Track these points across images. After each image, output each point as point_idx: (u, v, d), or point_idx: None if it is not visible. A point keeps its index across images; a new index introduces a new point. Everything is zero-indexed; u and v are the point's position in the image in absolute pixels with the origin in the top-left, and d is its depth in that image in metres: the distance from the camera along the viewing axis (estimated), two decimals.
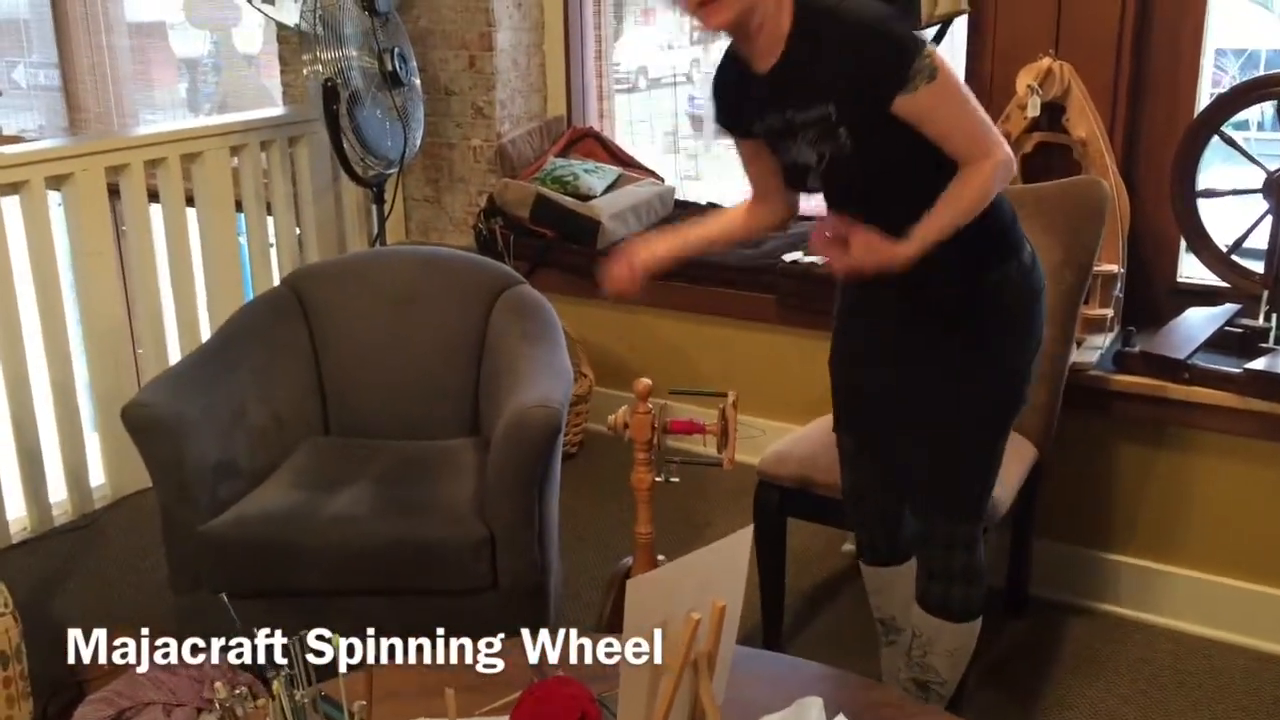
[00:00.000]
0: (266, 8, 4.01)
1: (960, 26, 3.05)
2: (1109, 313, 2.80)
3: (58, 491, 3.33)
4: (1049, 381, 2.60)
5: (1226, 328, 2.67)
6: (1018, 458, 2.51)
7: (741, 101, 1.97)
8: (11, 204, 3.05)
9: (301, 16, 3.62)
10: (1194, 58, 2.84)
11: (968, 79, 3.07)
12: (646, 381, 2.37)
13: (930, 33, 3.01)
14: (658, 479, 2.40)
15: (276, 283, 3.67)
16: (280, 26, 4.03)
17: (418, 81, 3.61)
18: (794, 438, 2.69)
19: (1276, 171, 2.58)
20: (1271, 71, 2.83)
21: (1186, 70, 2.84)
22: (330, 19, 3.45)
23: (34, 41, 6.84)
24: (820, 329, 3.22)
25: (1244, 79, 2.81)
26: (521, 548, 2.42)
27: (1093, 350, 2.76)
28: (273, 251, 3.81)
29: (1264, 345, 2.62)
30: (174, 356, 3.49)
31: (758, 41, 1.85)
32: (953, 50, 3.09)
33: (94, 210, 3.22)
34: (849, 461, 2.25)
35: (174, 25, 6.40)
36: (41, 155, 3.09)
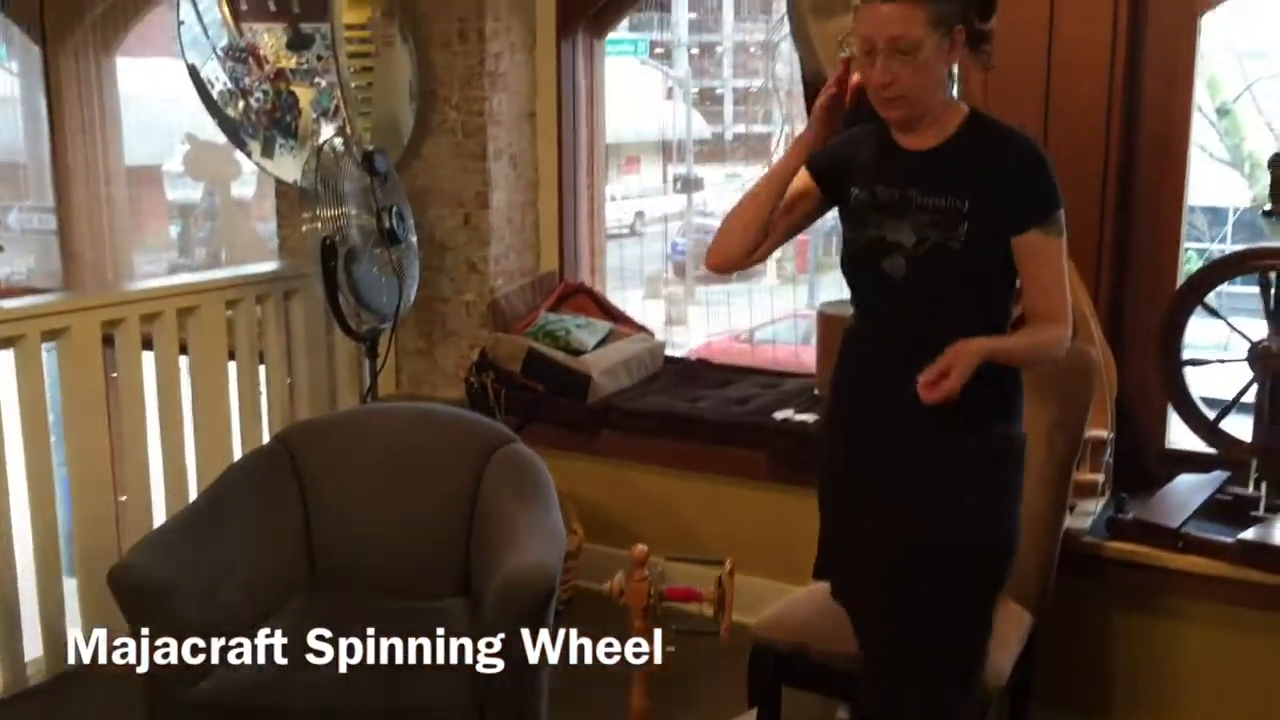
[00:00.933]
0: (267, 163, 4.10)
1: None
2: (1100, 478, 2.82)
3: (33, 649, 3.24)
4: (1043, 546, 2.59)
5: (1217, 495, 2.69)
6: (1014, 625, 2.50)
7: (859, 161, 2.09)
8: (5, 356, 3.05)
9: (302, 174, 3.71)
10: (1174, 220, 2.92)
11: None
12: (643, 548, 2.36)
13: None
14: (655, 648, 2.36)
15: (266, 434, 3.68)
16: (279, 182, 4.11)
17: (414, 238, 3.67)
18: (791, 601, 2.66)
19: (1260, 342, 2.64)
20: (1256, 245, 2.92)
21: (1167, 232, 2.92)
22: (330, 177, 3.52)
23: (30, 185, 6.94)
24: (811, 487, 3.24)
25: (1230, 250, 2.89)
26: (515, 713, 2.37)
27: (1085, 516, 2.77)
28: (263, 401, 3.81)
29: (1255, 514, 2.63)
30: (158, 506, 3.45)
31: (917, 129, 2.02)
32: None
33: (87, 362, 3.22)
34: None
35: (171, 172, 6.51)
36: (39, 311, 3.11)
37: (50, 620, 3.25)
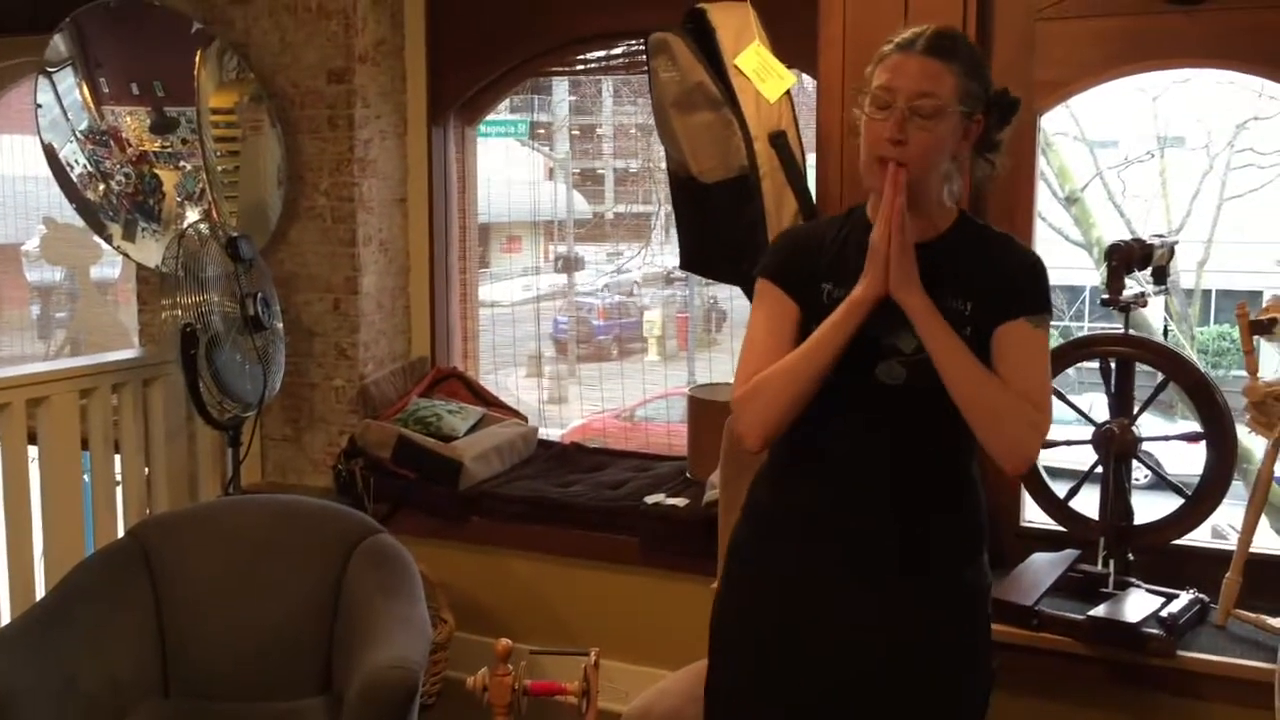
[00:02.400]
0: (128, 247, 4.01)
1: None
2: None
3: None
4: None
5: (1069, 572, 2.78)
6: None
7: (831, 253, 1.94)
8: None
9: (164, 260, 3.63)
10: None
11: None
12: (506, 642, 2.33)
13: None
14: None
15: (121, 527, 3.55)
16: (140, 267, 4.02)
17: (280, 325, 3.61)
18: (659, 690, 2.65)
19: (1104, 424, 2.75)
20: (1096, 333, 3.04)
21: None
22: (192, 263, 3.46)
23: None
24: (685, 571, 3.26)
25: (1073, 337, 3.01)
26: None
27: None
28: (119, 492, 3.68)
29: (1104, 590, 2.72)
30: (3, 607, 3.29)
31: (912, 213, 1.85)
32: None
33: None
34: None
35: (30, 253, 6.32)
36: None
37: None
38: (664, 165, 3.27)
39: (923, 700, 1.90)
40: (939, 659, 1.91)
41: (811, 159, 3.10)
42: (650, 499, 3.42)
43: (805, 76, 3.24)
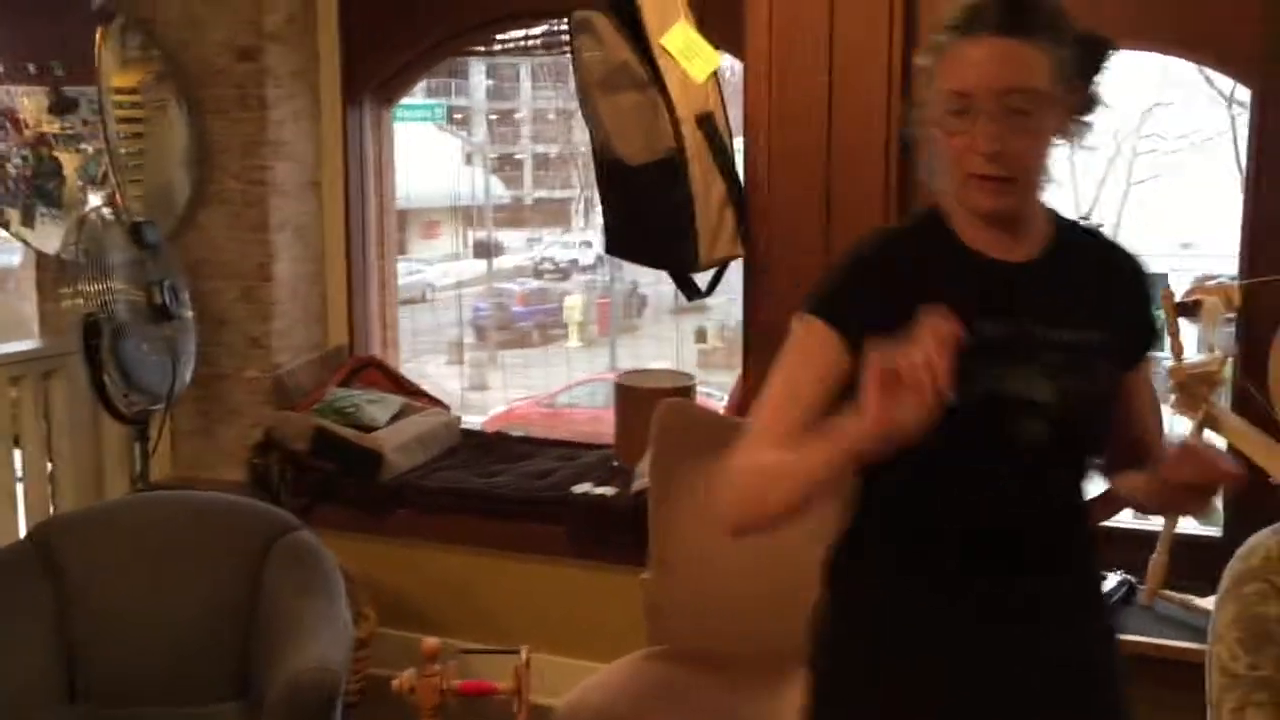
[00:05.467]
0: (26, 233, 3.83)
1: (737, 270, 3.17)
2: None
3: None
4: None
5: None
6: None
7: (920, 287, 1.39)
8: None
9: (64, 246, 3.47)
10: None
11: (746, 321, 3.19)
12: (433, 641, 2.26)
13: (706, 277, 3.12)
14: None
15: (22, 525, 3.39)
16: (40, 253, 3.84)
17: (189, 314, 3.47)
18: (593, 683, 2.59)
19: None
20: None
21: None
22: (95, 249, 3.30)
23: None
24: (613, 562, 3.20)
25: None
26: None
27: None
28: (19, 489, 3.51)
29: None
30: None
31: (1016, 230, 1.46)
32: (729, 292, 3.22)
33: None
34: None
35: None
36: None
37: None
38: (584, 149, 3.20)
39: None
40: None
41: (739, 142, 3.06)
42: (578, 488, 3.36)
43: (732, 59, 3.19)
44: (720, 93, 2.94)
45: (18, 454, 3.50)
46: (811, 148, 2.96)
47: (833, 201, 2.95)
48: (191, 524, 2.76)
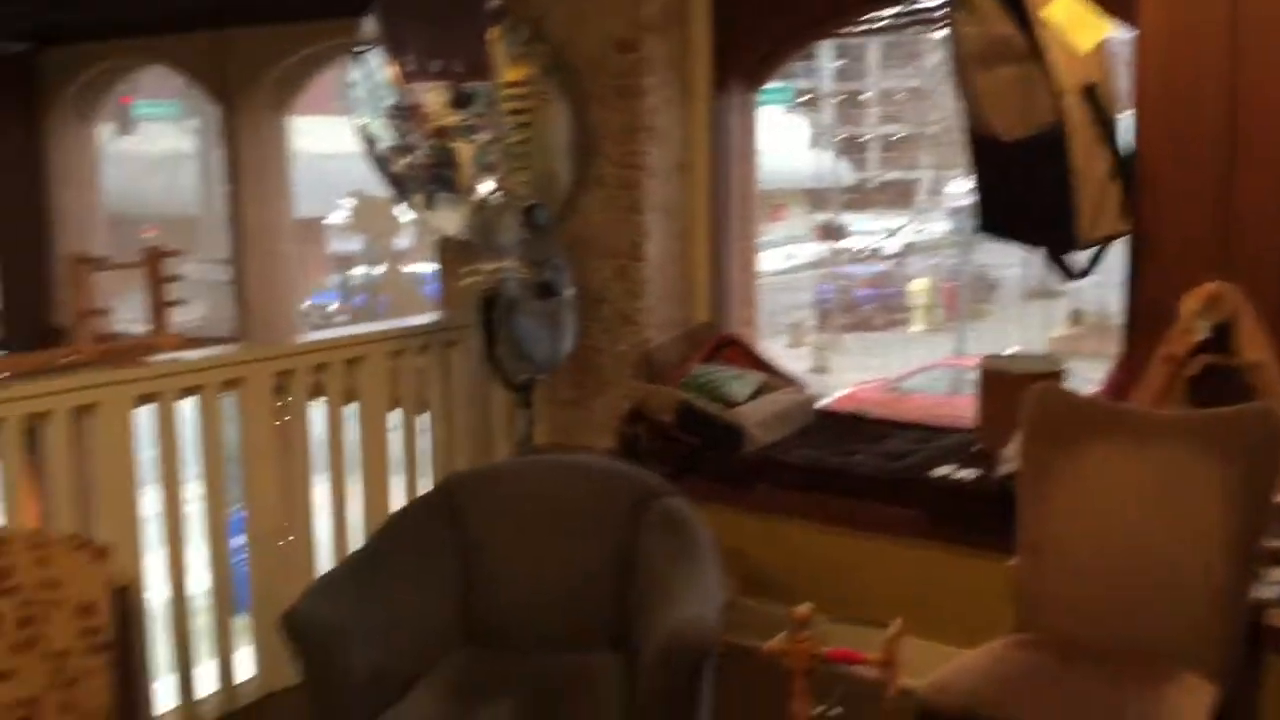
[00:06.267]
0: (429, 216, 4.22)
1: (1119, 248, 3.03)
2: None
3: (207, 685, 3.37)
4: (1227, 617, 2.46)
5: None
6: (1197, 699, 2.36)
7: None
8: (187, 404, 3.21)
9: (462, 228, 3.80)
10: None
11: (1130, 301, 3.04)
12: (805, 608, 2.32)
13: (1084, 257, 3.00)
14: (817, 711, 2.31)
15: (426, 481, 3.76)
16: (439, 235, 4.23)
17: (571, 291, 3.72)
18: (960, 665, 2.56)
19: None
20: None
21: None
22: (490, 231, 3.61)
23: (202, 238, 7.32)
24: (975, 546, 3.15)
25: None
26: None
27: (1274, 585, 2.61)
28: (420, 448, 3.89)
29: None
30: (322, 549, 3.56)
31: None
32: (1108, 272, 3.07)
33: (261, 409, 3.36)
34: None
35: (332, 225, 6.79)
36: (219, 362, 3.27)
37: (223, 656, 3.37)
38: (932, 130, 3.16)
39: None
40: None
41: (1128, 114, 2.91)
42: (939, 471, 3.33)
43: (1121, 25, 3.03)
44: (1107, 62, 2.81)
45: (419, 420, 3.87)
46: (1209, 120, 2.77)
47: (1235, 179, 2.75)
48: (575, 484, 2.97)
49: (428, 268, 4.47)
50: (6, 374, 3.90)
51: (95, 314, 6.01)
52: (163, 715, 3.24)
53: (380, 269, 5.76)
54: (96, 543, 2.56)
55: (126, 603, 2.75)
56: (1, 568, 2.37)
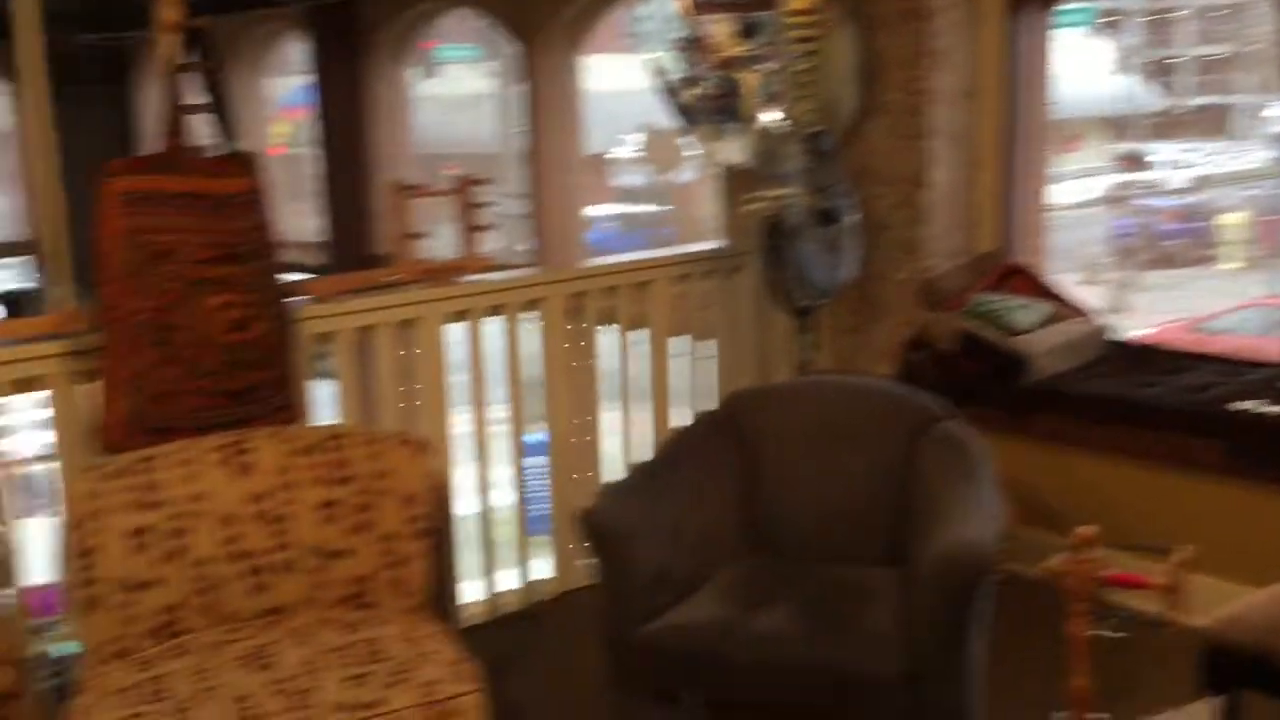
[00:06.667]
0: (716, 146, 4.34)
1: None
2: None
3: (508, 581, 3.69)
4: None
5: None
6: None
7: None
8: (493, 323, 3.50)
9: (748, 156, 3.90)
10: None
11: None
12: (1089, 530, 2.29)
13: None
14: (1096, 632, 2.30)
15: (707, 400, 3.91)
16: (723, 164, 4.34)
17: (853, 218, 3.75)
18: (1255, 601, 2.47)
19: None
20: None
21: None
22: (775, 158, 3.68)
23: (498, 174, 7.77)
24: (1277, 482, 2.99)
25: None
26: (944, 689, 2.40)
27: None
28: (703, 368, 4.05)
29: None
30: (610, 460, 3.79)
31: None
32: None
33: (556, 330, 3.61)
34: None
35: (616, 159, 7.05)
36: (521, 283, 3.57)
37: (522, 556, 3.68)
38: (1258, 48, 2.95)
39: None
40: None
41: None
42: (1241, 404, 3.17)
43: None
44: None
45: (700, 345, 4.03)
46: None
47: None
48: (855, 404, 3.03)
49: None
50: (339, 291, 4.33)
51: (413, 237, 6.54)
52: (469, 604, 3.58)
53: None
54: (418, 439, 2.86)
55: (441, 496, 3.05)
56: (342, 460, 2.69)
